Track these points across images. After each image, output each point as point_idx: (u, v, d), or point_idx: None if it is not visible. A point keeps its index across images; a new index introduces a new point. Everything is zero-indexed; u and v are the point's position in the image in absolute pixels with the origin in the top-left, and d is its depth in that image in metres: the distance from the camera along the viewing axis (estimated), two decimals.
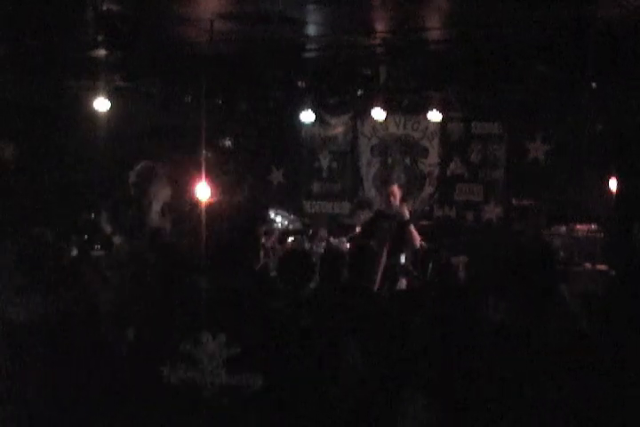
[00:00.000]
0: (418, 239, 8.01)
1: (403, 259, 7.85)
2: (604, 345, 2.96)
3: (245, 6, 7.49)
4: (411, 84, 9.92)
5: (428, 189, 11.25)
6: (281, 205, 10.95)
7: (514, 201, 10.52)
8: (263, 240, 8.38)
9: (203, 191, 8.84)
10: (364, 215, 8.68)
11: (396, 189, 8.36)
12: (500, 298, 2.77)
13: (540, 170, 10.48)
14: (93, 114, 9.64)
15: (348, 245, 8.89)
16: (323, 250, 8.61)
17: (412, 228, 8.06)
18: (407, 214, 8.24)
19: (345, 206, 11.73)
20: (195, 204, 9.06)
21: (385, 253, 6.88)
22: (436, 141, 11.22)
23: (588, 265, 8.87)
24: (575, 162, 10.03)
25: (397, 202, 8.25)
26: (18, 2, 7.32)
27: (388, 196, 8.36)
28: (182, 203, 9.36)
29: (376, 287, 6.01)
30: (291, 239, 9.79)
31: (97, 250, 8.32)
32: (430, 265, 5.74)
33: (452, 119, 10.87)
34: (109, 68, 9.24)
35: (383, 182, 9.37)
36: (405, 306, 4.83)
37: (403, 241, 7.87)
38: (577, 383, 2.64)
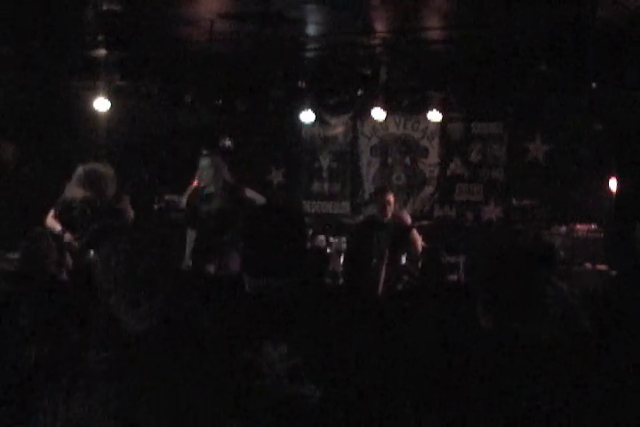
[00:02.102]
0: (420, 244, 7.96)
1: (403, 259, 7.83)
2: (605, 344, 2.97)
3: (245, 6, 7.50)
4: (411, 84, 9.92)
5: (428, 189, 11.25)
6: None
7: (514, 201, 10.52)
8: None
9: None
10: (368, 212, 8.46)
11: (391, 198, 8.17)
12: (498, 298, 2.77)
13: (540, 170, 10.47)
14: (93, 114, 9.64)
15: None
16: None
17: (415, 233, 7.98)
18: (408, 220, 8.14)
19: (345, 206, 11.73)
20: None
21: (386, 261, 6.81)
22: (435, 141, 11.21)
23: (588, 265, 8.87)
24: (575, 162, 10.04)
25: (393, 210, 8.08)
26: (18, 2, 7.33)
27: (384, 205, 8.12)
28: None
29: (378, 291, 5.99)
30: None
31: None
32: (430, 265, 5.74)
33: (452, 119, 10.85)
34: (109, 68, 9.24)
35: (377, 191, 9.08)
36: (405, 307, 4.83)
37: (404, 247, 7.74)
38: (577, 383, 2.64)
